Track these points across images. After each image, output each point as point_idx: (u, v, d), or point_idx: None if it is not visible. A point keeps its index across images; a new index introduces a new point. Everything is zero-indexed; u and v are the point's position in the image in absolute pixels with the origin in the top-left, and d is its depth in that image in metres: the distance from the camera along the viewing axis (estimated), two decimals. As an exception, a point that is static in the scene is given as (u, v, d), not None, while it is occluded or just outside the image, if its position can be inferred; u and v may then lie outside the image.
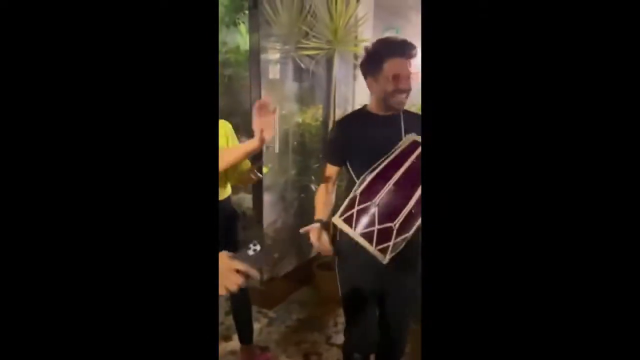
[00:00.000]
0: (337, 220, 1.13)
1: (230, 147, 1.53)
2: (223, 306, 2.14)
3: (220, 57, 2.55)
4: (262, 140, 1.14)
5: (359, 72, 1.42)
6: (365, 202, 1.10)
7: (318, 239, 1.22)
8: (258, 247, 0.75)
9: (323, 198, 1.34)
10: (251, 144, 1.18)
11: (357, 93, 2.53)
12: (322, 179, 1.38)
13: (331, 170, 1.36)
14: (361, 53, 1.27)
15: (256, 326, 2.00)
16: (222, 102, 2.49)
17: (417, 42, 1.02)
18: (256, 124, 1.12)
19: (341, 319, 2.07)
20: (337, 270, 1.38)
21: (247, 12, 2.24)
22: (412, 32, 2.13)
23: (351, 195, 1.15)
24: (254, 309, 1.98)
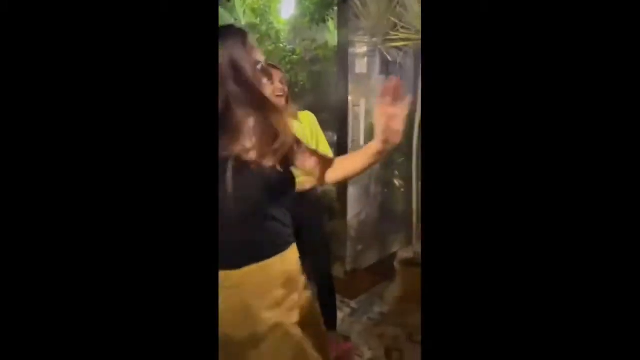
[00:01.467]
0: None
1: (349, 156, 1.05)
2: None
3: (309, 54, 2.63)
4: (384, 142, 0.78)
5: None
6: None
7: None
8: None
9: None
10: (372, 148, 0.83)
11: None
12: None
13: None
14: None
15: (339, 315, 2.06)
16: (310, 98, 2.59)
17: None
18: (380, 116, 0.76)
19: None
20: None
21: (336, 8, 2.28)
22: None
23: None
24: (337, 298, 2.04)
